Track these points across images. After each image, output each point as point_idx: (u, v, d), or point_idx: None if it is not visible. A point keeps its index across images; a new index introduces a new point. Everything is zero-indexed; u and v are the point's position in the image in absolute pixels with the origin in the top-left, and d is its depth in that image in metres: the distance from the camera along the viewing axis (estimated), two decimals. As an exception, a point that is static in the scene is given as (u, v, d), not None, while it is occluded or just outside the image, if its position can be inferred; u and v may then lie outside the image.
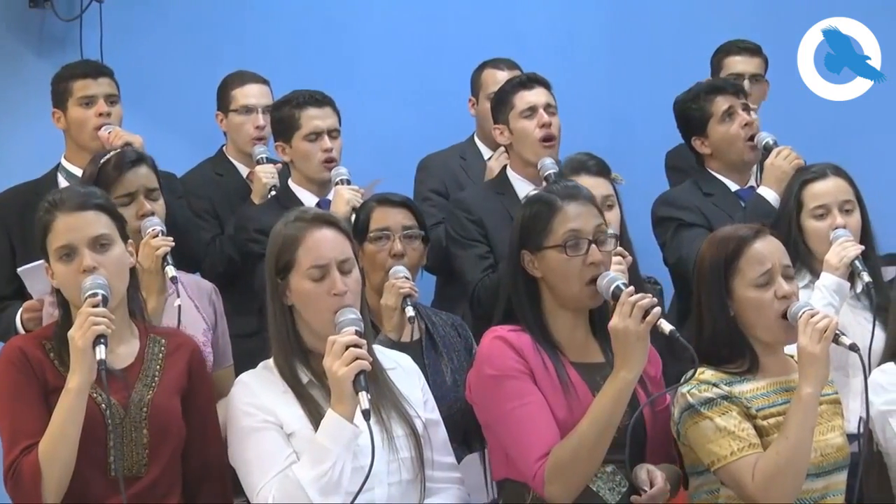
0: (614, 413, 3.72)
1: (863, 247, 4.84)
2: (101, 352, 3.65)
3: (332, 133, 5.59)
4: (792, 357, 3.96)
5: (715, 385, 3.85)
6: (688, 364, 3.79)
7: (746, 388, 3.87)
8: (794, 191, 4.99)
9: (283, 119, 5.63)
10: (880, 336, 4.61)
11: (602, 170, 5.00)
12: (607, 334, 3.77)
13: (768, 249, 3.94)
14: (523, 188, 5.46)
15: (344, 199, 5.33)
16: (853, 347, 3.84)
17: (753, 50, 6.49)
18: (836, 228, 4.88)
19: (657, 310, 3.70)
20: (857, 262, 4.80)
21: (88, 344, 3.65)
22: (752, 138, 5.58)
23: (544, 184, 5.12)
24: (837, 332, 3.81)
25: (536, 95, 5.61)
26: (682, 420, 3.86)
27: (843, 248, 4.82)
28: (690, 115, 5.67)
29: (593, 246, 3.87)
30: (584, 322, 3.96)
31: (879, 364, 4.30)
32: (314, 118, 5.57)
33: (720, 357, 3.92)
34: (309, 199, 5.54)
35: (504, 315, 3.97)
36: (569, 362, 3.88)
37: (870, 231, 4.96)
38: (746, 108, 5.66)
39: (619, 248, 4.47)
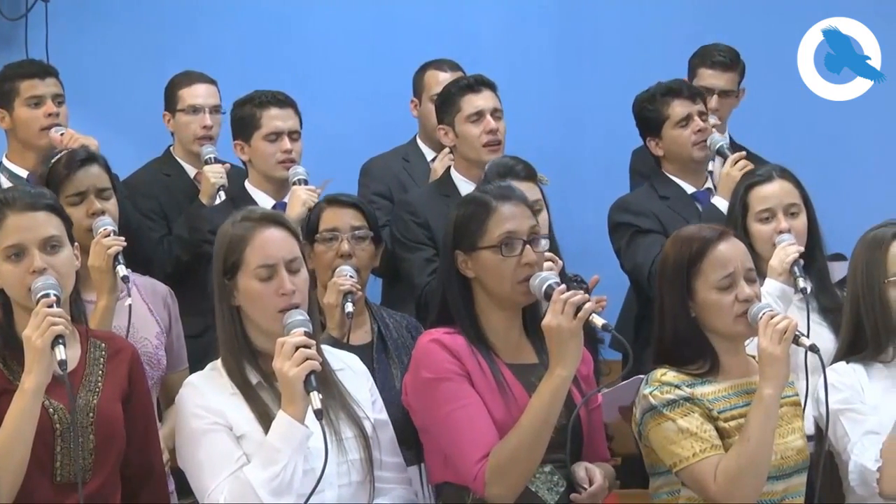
0: (551, 411, 3.72)
1: (801, 248, 4.85)
2: (61, 352, 3.61)
3: (293, 135, 5.58)
4: (754, 358, 3.94)
5: (677, 387, 3.84)
6: (649, 363, 3.82)
7: (708, 391, 3.87)
8: (740, 194, 5.01)
9: (244, 118, 5.60)
10: (826, 337, 4.67)
11: (530, 174, 4.99)
12: (541, 335, 3.77)
13: (732, 252, 3.92)
14: (468, 189, 5.42)
15: (300, 199, 5.32)
16: (813, 348, 3.84)
17: (727, 64, 6.39)
18: (781, 232, 4.90)
19: (589, 305, 3.71)
20: (795, 268, 4.81)
21: (47, 344, 3.60)
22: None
23: None
24: (797, 332, 3.82)
25: (484, 100, 5.61)
26: (644, 421, 3.85)
27: (785, 251, 4.84)
28: (646, 115, 5.72)
29: (528, 247, 3.87)
30: (518, 323, 3.95)
31: (829, 364, 4.31)
32: (275, 118, 5.55)
33: (682, 358, 3.91)
34: (265, 201, 5.52)
35: (438, 316, 3.96)
36: (503, 363, 3.87)
37: (818, 233, 4.98)
38: (701, 114, 5.70)
39: (549, 254, 4.43)
